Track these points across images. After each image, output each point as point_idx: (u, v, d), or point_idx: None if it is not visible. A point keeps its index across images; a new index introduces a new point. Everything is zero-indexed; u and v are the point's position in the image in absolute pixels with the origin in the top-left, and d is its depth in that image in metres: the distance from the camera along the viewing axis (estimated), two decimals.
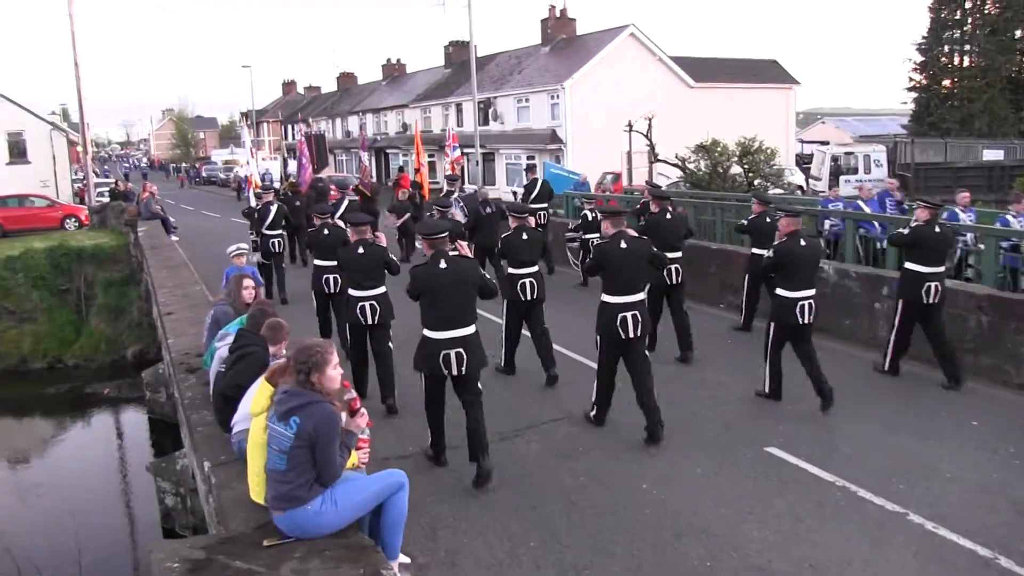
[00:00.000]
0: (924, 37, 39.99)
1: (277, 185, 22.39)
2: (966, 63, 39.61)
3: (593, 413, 7.34)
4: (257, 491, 4.52)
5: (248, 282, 7.49)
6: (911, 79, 40.57)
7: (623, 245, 6.93)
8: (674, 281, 9.26)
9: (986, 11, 38.86)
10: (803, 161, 31.62)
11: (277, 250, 13.61)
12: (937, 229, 8.30)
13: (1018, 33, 39.11)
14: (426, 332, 6.21)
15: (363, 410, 4.61)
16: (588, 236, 13.19)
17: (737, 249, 12.31)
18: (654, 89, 33.43)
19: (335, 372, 4.23)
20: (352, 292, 7.99)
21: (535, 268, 8.68)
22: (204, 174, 60.12)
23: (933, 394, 8.13)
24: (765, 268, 8.00)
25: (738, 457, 6.64)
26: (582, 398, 7.68)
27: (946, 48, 39.81)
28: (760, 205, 10.52)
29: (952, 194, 12.22)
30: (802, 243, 7.61)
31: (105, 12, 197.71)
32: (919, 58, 40.14)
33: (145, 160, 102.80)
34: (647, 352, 7.15)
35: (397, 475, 4.47)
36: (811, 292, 7.59)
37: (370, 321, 7.89)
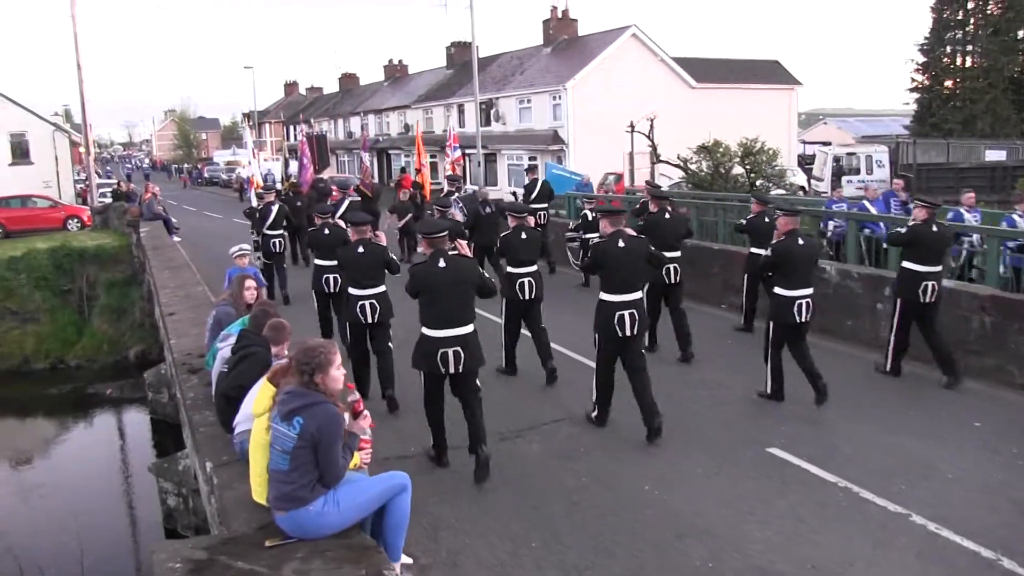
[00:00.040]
0: (926, 37, 39.88)
1: (279, 186, 22.39)
2: (968, 63, 39.49)
3: (594, 414, 7.35)
4: (259, 492, 4.52)
5: (250, 283, 7.51)
6: (913, 80, 40.47)
7: (621, 244, 6.96)
8: (672, 280, 9.28)
9: (988, 11, 38.75)
10: (805, 162, 31.54)
11: (278, 250, 13.67)
12: (935, 228, 8.30)
13: (1020, 33, 38.98)
14: (425, 330, 6.24)
15: (366, 412, 4.62)
16: (588, 236, 13.21)
17: (739, 250, 12.29)
18: (656, 90, 33.45)
19: (338, 373, 4.24)
20: (352, 291, 8.02)
21: (534, 267, 8.71)
22: (206, 175, 60.20)
23: (934, 394, 8.12)
24: (763, 267, 8.01)
25: (739, 458, 6.64)
26: (583, 398, 7.69)
27: (948, 48, 39.69)
28: (759, 205, 10.54)
29: (954, 195, 12.22)
30: (800, 242, 7.63)
31: (107, 13, 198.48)
32: (921, 59, 40.04)
33: (147, 161, 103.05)
34: (646, 351, 7.16)
35: (400, 477, 4.47)
36: (809, 291, 7.60)
37: (370, 320, 7.94)
